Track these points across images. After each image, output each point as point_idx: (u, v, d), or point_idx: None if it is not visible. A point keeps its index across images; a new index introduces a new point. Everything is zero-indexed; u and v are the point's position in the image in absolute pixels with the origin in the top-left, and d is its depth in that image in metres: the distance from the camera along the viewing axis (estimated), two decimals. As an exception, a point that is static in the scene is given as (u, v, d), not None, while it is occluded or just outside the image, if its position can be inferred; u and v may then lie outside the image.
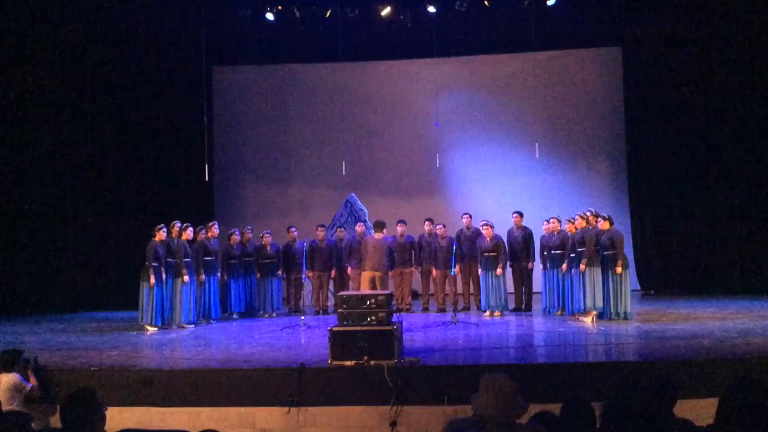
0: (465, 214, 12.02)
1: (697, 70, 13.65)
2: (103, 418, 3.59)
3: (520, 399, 3.25)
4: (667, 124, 14.02)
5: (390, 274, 11.95)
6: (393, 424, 6.40)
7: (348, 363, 6.75)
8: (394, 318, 7.22)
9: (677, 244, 14.03)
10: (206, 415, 6.67)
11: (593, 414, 4.01)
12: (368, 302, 6.99)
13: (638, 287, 13.95)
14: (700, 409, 5.74)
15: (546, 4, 13.75)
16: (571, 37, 14.68)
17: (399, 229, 12.10)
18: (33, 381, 6.76)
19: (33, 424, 5.85)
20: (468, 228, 11.82)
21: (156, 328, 10.16)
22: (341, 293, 7.41)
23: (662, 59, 13.95)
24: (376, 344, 6.75)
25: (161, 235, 10.39)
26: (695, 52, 13.61)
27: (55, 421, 6.76)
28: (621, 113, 14.82)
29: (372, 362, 6.68)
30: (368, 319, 6.92)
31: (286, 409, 6.56)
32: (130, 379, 6.87)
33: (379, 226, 11.08)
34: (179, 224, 10.79)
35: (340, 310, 7.06)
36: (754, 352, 6.91)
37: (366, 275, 10.73)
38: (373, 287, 10.46)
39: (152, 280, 10.14)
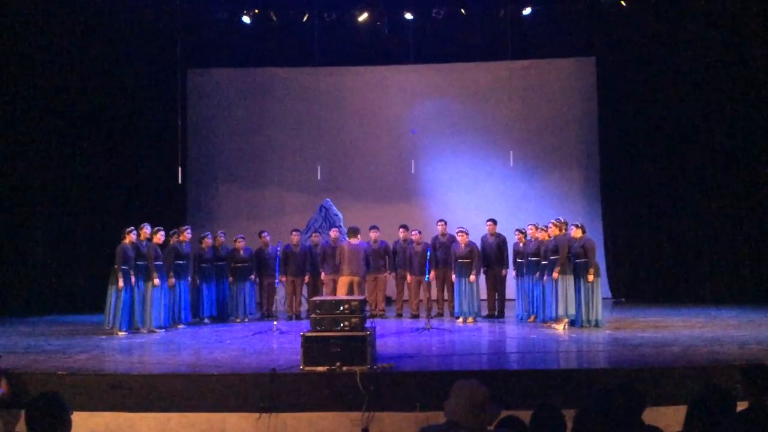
0: (440, 220, 12.04)
1: (670, 79, 13.86)
2: (69, 422, 3.52)
3: (492, 405, 3.25)
4: (639, 134, 14.20)
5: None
6: (365, 430, 6.37)
7: (320, 368, 6.70)
8: (368, 324, 7.20)
9: (648, 252, 14.19)
10: (176, 420, 6.59)
11: (563, 420, 4.03)
12: (341, 308, 6.95)
13: (609, 295, 14.07)
14: (669, 417, 5.80)
15: (522, 14, 13.87)
16: (546, 46, 14.83)
17: (372, 234, 12.09)
18: (4, 386, 6.63)
19: None
20: (443, 235, 11.84)
21: (125, 332, 10.02)
22: (314, 298, 7.38)
23: (635, 69, 14.14)
24: (349, 350, 6.72)
25: (131, 237, 10.27)
26: (668, 62, 13.83)
27: (21, 426, 6.68)
28: (594, 122, 14.99)
29: (344, 368, 6.65)
30: (341, 324, 6.89)
31: (257, 415, 6.50)
32: (99, 384, 6.75)
33: (354, 232, 11.29)
34: (148, 227, 10.66)
35: (313, 315, 7.02)
36: (722, 361, 7.00)
37: (344, 280, 10.82)
38: (351, 292, 10.46)
39: (121, 283, 10.00)
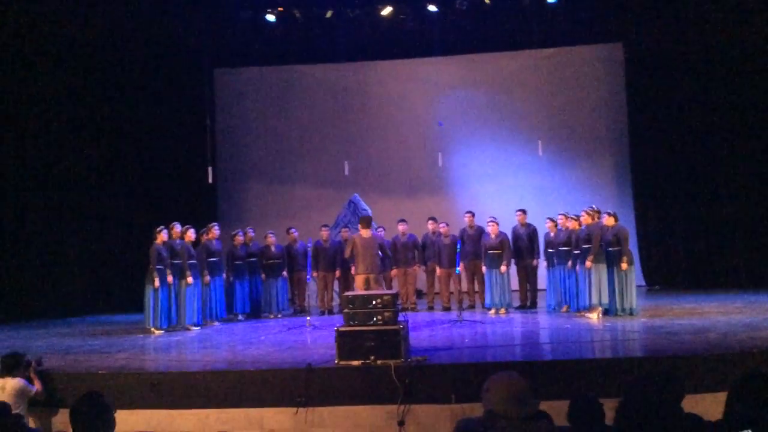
0: (468, 212, 11.99)
1: (698, 64, 13.65)
2: (113, 421, 3.60)
3: (531, 396, 3.25)
4: (669, 119, 14.02)
5: (393, 273, 11.96)
6: (401, 423, 6.39)
7: (355, 363, 6.75)
8: (400, 317, 7.23)
9: (681, 239, 14.03)
10: (214, 416, 6.68)
11: (602, 410, 4.02)
12: (374, 302, 6.98)
13: (643, 283, 13.93)
14: (708, 404, 5.73)
15: (546, 1, 13.76)
16: (572, 34, 14.67)
17: (401, 228, 12.09)
18: (38, 384, 6.78)
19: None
20: (471, 226, 11.80)
21: (162, 331, 10.17)
22: (347, 293, 7.41)
23: (663, 54, 13.96)
24: (383, 344, 6.75)
25: (162, 237, 10.41)
26: (696, 46, 13.61)
27: (56, 423, 6.82)
28: (623, 109, 14.83)
29: (379, 362, 6.68)
30: (374, 318, 6.92)
31: (294, 409, 6.56)
32: (138, 382, 6.88)
33: (366, 222, 10.40)
34: (179, 226, 10.79)
35: (346, 310, 7.06)
36: (760, 346, 6.90)
37: (360, 279, 10.14)
38: (368, 289, 10.34)
39: (156, 282, 10.15)
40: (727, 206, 13.55)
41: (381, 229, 11.93)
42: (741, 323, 8.61)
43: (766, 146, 13.26)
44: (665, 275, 14.11)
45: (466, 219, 11.88)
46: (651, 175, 14.35)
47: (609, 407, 4.00)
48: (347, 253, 10.54)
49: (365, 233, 10.27)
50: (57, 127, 13.85)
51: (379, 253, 10.36)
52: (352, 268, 11.85)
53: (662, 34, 13.94)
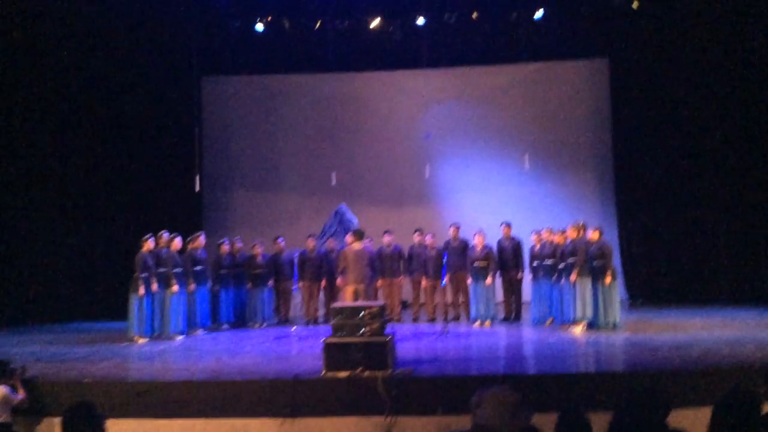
0: (452, 225, 12.03)
1: (684, 80, 13.80)
2: (104, 430, 3.60)
3: (523, 410, 3.29)
4: (654, 134, 14.16)
5: (378, 284, 11.98)
6: (387, 434, 6.42)
7: (342, 374, 6.76)
8: (387, 329, 7.25)
9: (664, 253, 14.14)
10: (200, 426, 6.66)
11: (589, 425, 4.06)
12: (362, 313, 7.01)
13: (626, 297, 14.04)
14: (692, 419, 5.80)
15: (534, 16, 13.90)
16: (558, 48, 14.79)
17: (386, 239, 12.12)
18: (22, 392, 6.72)
19: None
20: (455, 239, 11.85)
21: (146, 339, 10.12)
22: (335, 305, 7.44)
23: (649, 70, 14.10)
24: (370, 355, 6.77)
25: (149, 245, 10.38)
26: (681, 61, 13.78)
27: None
28: (608, 123, 14.96)
29: (366, 373, 6.70)
30: (362, 330, 6.94)
31: (279, 420, 6.56)
32: (124, 391, 6.84)
33: (358, 235, 10.60)
34: (166, 234, 10.78)
35: (333, 322, 7.08)
36: (743, 362, 7.00)
37: (349, 289, 10.26)
38: (356, 300, 10.37)
39: (141, 290, 10.10)
40: (711, 221, 13.70)
41: (368, 240, 11.94)
42: (723, 338, 8.70)
43: (752, 162, 13.42)
44: (648, 289, 14.20)
45: (451, 231, 11.92)
46: (635, 189, 14.47)
47: (595, 421, 4.05)
48: (340, 268, 10.68)
49: (357, 245, 10.39)
50: (43, 134, 13.77)
51: (369, 265, 10.47)
52: (338, 279, 11.90)
53: (648, 49, 14.09)
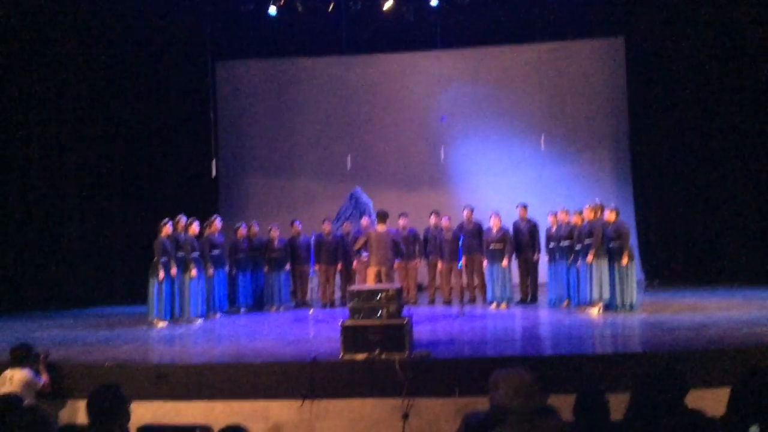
0: (466, 207, 11.98)
1: (700, 59, 13.66)
2: (128, 413, 3.67)
3: (539, 391, 3.31)
4: (670, 114, 14.04)
5: (395, 266, 12.00)
6: (405, 416, 6.46)
7: (359, 356, 6.81)
8: (404, 311, 7.29)
9: (681, 233, 14.08)
10: (220, 408, 6.75)
11: (607, 405, 4.08)
12: (379, 296, 7.05)
13: (642, 277, 13.99)
14: (710, 400, 5.80)
15: (548, -5, 13.79)
16: (574, 27, 14.64)
17: (401, 221, 12.12)
18: (45, 376, 6.84)
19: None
20: (469, 221, 11.83)
21: (165, 323, 10.24)
22: (351, 288, 7.48)
23: (665, 49, 13.97)
24: (387, 337, 6.81)
25: (167, 229, 10.46)
26: (698, 40, 13.64)
27: (63, 415, 6.89)
28: (624, 103, 14.86)
29: (383, 355, 6.75)
30: (379, 312, 6.98)
31: (299, 402, 6.64)
32: (144, 374, 6.95)
33: (382, 217, 10.59)
34: (184, 219, 10.86)
35: (351, 305, 7.12)
36: (761, 342, 6.98)
37: (371, 270, 10.41)
38: (379, 282, 10.46)
39: (161, 275, 10.20)
40: (728, 201, 13.60)
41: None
42: (741, 319, 8.68)
43: (768, 142, 13.32)
44: (665, 270, 14.15)
45: (465, 214, 11.89)
46: (651, 170, 14.39)
47: (613, 402, 4.08)
48: (359, 245, 10.74)
49: (380, 227, 10.46)
50: (60, 120, 13.87)
51: (392, 248, 10.47)
52: (354, 261, 11.97)
53: (664, 28, 13.95)
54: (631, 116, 14.72)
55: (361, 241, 10.72)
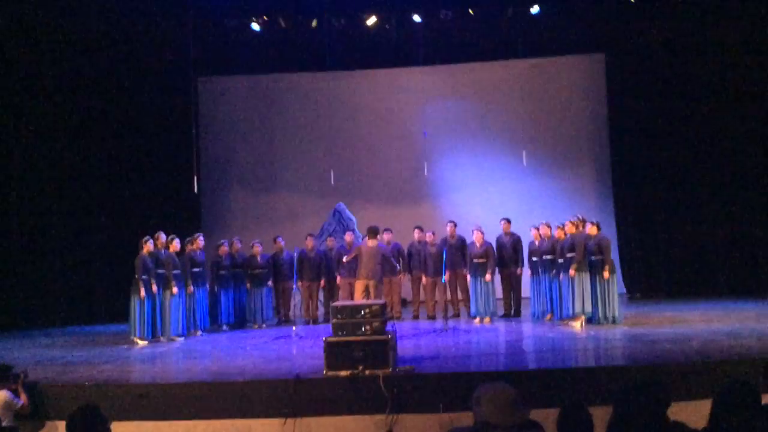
0: (449, 222, 12.05)
1: (680, 75, 13.83)
2: (109, 433, 3.62)
3: (521, 405, 3.31)
4: (650, 129, 14.18)
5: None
6: (389, 432, 6.44)
7: (343, 373, 6.77)
8: (388, 327, 7.27)
9: (662, 247, 14.18)
10: (202, 428, 6.67)
11: (590, 419, 4.08)
12: (363, 312, 7.02)
13: (624, 291, 14.06)
14: (692, 412, 5.82)
15: (530, 12, 13.91)
16: (555, 44, 14.85)
17: (386, 236, 12.10)
18: (24, 397, 6.73)
19: None
20: (452, 236, 11.86)
21: (146, 341, 10.13)
22: (335, 303, 7.44)
23: (645, 65, 14.14)
24: (371, 354, 6.78)
25: (148, 247, 10.37)
26: (677, 57, 13.82)
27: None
28: (604, 118, 15.00)
29: (367, 371, 6.72)
30: (363, 328, 6.96)
31: (282, 420, 6.57)
32: (125, 393, 6.85)
33: (372, 232, 10.81)
34: (164, 236, 10.75)
35: (334, 321, 7.09)
36: (742, 354, 7.02)
37: (360, 284, 10.57)
38: (367, 296, 10.48)
39: (142, 293, 10.11)
40: (708, 215, 13.74)
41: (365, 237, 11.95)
42: (722, 331, 8.74)
43: (748, 156, 13.46)
44: (646, 283, 14.25)
45: (448, 229, 11.93)
46: (632, 184, 14.50)
47: (596, 416, 4.07)
48: (350, 257, 10.98)
49: (371, 242, 10.66)
50: (40, 136, 13.77)
51: (381, 262, 10.67)
52: (338, 277, 11.94)
53: (644, 44, 14.12)
54: (612, 131, 14.86)
55: (352, 254, 10.88)
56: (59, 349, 10.02)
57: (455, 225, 11.92)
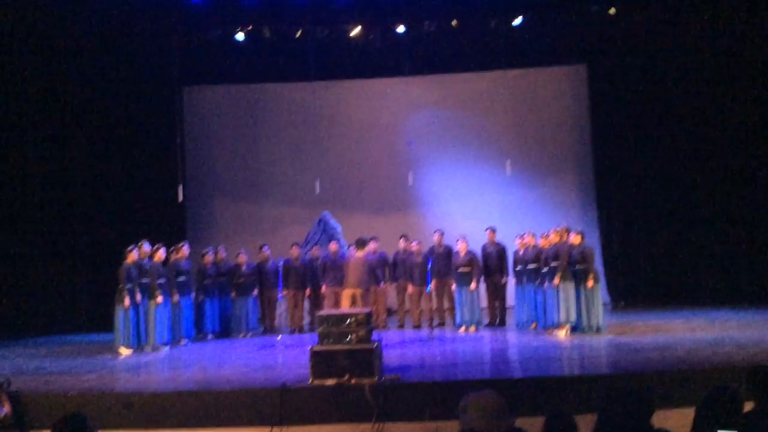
0: (437, 231, 12.10)
1: (661, 85, 14.02)
2: (95, 443, 3.60)
3: (507, 413, 3.34)
4: (632, 138, 14.34)
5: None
6: (375, 441, 6.45)
7: (329, 382, 6.79)
8: (374, 336, 7.29)
9: (645, 256, 14.30)
10: (188, 437, 6.66)
11: (575, 426, 4.11)
12: (348, 321, 7.04)
13: (608, 299, 14.16)
14: (676, 419, 5.88)
15: (512, 23, 14.03)
16: (538, 55, 14.96)
17: (372, 245, 12.12)
18: (6, 406, 6.68)
19: None
20: (439, 245, 11.91)
21: (131, 351, 10.08)
22: (321, 312, 7.47)
23: (627, 75, 14.31)
24: (357, 362, 6.80)
25: (133, 256, 10.34)
26: (659, 67, 14.00)
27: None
28: (587, 128, 15.13)
29: (353, 380, 6.73)
30: (348, 337, 6.97)
31: (268, 429, 6.56)
32: (110, 403, 6.82)
33: (360, 243, 11.00)
34: (147, 245, 10.71)
35: (320, 330, 7.10)
36: (725, 362, 7.10)
37: (347, 293, 10.65)
38: (354, 304, 10.50)
39: (127, 302, 10.06)
40: (691, 224, 13.88)
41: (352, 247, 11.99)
42: (704, 340, 8.83)
43: (730, 165, 13.62)
44: (629, 292, 14.35)
45: (435, 238, 11.99)
46: (615, 193, 14.64)
47: (581, 424, 4.11)
48: (344, 268, 11.07)
49: (359, 253, 10.85)
50: (24, 145, 13.70)
51: (368, 272, 10.88)
52: (323, 286, 11.93)
53: (625, 55, 14.29)
54: (595, 141, 14.98)
55: (344, 268, 11.05)
56: (43, 358, 9.94)
57: (442, 234, 11.97)
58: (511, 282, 11.80)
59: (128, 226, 13.71)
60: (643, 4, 13.71)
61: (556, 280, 10.17)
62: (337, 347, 6.92)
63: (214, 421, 6.68)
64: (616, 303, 14.22)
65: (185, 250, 11.39)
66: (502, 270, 11.71)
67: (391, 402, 6.60)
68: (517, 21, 14.00)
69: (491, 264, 11.68)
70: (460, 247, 11.44)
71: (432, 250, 11.90)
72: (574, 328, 10.10)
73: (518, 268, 11.52)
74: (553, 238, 10.57)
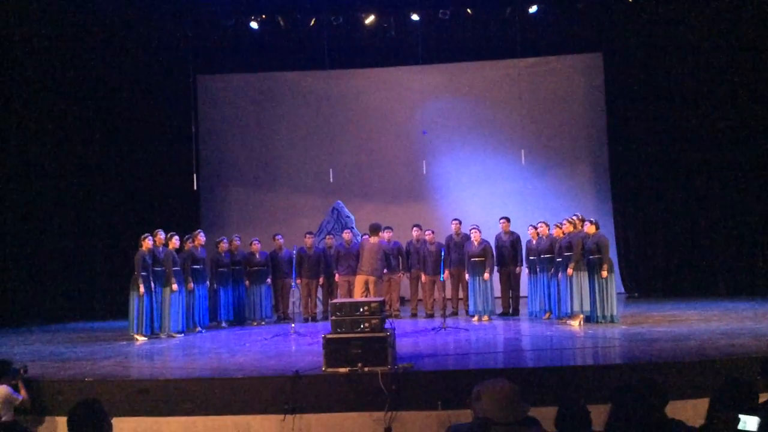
0: (454, 219, 12.10)
1: (677, 73, 13.90)
2: (110, 427, 3.63)
3: (521, 401, 3.34)
4: (648, 128, 14.24)
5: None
6: (388, 429, 6.45)
7: (342, 370, 6.80)
8: (387, 324, 7.29)
9: (659, 246, 14.24)
10: (201, 424, 6.69)
11: (588, 417, 4.11)
12: (361, 309, 7.05)
13: (622, 290, 14.11)
14: (690, 410, 5.87)
15: (528, 11, 13.93)
16: (553, 43, 14.89)
17: (386, 234, 12.13)
18: (24, 392, 6.75)
19: None
20: (457, 234, 11.91)
21: (146, 338, 10.16)
22: (334, 301, 7.46)
23: (643, 64, 14.20)
24: (370, 351, 6.81)
25: (147, 244, 10.40)
26: (674, 55, 13.87)
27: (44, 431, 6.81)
28: (603, 118, 15.04)
29: (366, 369, 6.74)
30: (362, 326, 6.98)
31: (281, 416, 6.60)
32: (125, 389, 6.88)
33: (374, 230, 11.02)
34: (162, 233, 10.75)
35: (333, 318, 7.11)
36: (739, 353, 7.06)
37: (360, 279, 10.73)
38: (366, 291, 10.52)
39: (141, 289, 10.14)
40: (706, 215, 13.80)
41: (365, 236, 12.00)
42: (719, 330, 8.77)
43: (745, 155, 13.51)
44: (644, 282, 14.30)
45: (453, 226, 11.99)
46: (630, 183, 14.57)
47: (594, 414, 4.10)
48: (358, 256, 11.16)
49: (373, 239, 10.91)
50: (40, 134, 13.81)
51: (382, 259, 10.88)
52: (336, 275, 11.96)
53: (641, 43, 14.18)
54: (610, 131, 14.90)
55: (360, 253, 11.08)
56: (59, 345, 10.04)
57: (460, 223, 11.98)
58: (524, 272, 11.77)
59: (143, 214, 13.83)
60: (660, -8, 13.60)
61: (570, 270, 10.13)
62: (351, 335, 6.93)
63: (228, 408, 6.72)
64: (630, 293, 14.17)
65: (201, 237, 11.44)
66: (516, 260, 11.69)
67: (404, 390, 6.60)
68: (533, 9, 13.91)
69: (505, 253, 11.67)
70: (473, 237, 11.43)
71: (450, 239, 11.91)
72: (588, 318, 10.06)
73: (532, 258, 11.48)
74: (567, 227, 10.53)
